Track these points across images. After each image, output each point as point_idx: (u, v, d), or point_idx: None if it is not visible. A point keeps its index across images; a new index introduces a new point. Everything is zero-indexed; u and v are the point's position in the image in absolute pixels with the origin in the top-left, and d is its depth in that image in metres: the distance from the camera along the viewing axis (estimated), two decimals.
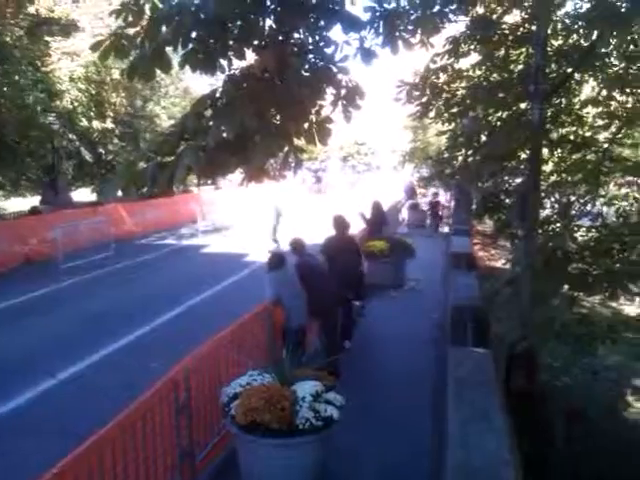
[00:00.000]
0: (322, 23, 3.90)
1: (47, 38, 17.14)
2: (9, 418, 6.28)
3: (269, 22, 3.99)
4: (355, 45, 4.19)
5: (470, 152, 9.08)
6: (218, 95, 3.86)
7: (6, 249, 14.71)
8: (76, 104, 17.34)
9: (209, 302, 10.96)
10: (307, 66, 4.31)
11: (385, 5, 4.42)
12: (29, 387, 6.98)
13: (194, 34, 3.91)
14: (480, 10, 8.13)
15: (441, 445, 5.13)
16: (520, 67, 8.74)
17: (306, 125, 4.46)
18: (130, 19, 3.70)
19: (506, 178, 9.07)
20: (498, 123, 8.47)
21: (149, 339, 8.83)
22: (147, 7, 3.75)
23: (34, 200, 25.22)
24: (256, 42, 4.29)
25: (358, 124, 65.41)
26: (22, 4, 15.31)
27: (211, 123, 3.83)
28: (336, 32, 4.53)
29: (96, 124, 18.11)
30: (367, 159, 74.94)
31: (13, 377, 7.26)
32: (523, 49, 8.60)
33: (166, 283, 12.68)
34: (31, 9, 15.83)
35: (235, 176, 27.31)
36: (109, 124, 19.02)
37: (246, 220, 22.70)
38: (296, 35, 4.14)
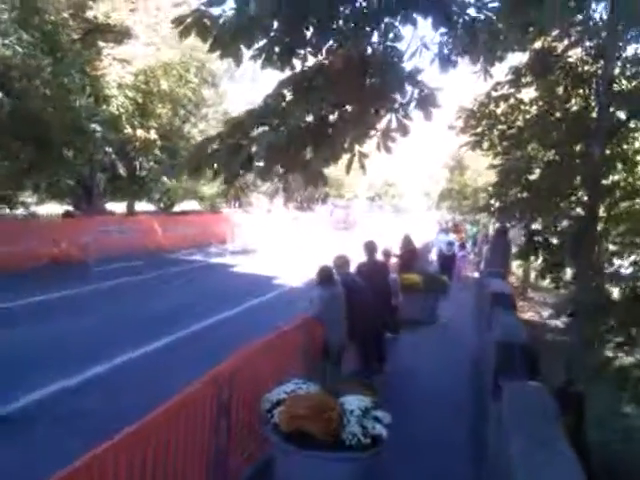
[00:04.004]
0: (414, 16, 3.78)
1: (100, 43, 17.48)
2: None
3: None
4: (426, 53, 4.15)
5: (518, 189, 8.93)
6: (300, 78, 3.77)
7: (35, 248, 14.70)
8: (122, 110, 17.54)
9: (240, 316, 10.84)
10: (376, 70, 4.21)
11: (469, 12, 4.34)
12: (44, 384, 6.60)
13: (275, 24, 3.87)
14: (539, 44, 8.06)
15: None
16: (576, 107, 8.62)
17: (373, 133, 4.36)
18: None
19: (557, 217, 8.85)
20: (555, 157, 8.30)
21: (179, 345, 8.67)
22: None
23: (66, 208, 25.44)
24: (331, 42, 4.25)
25: (389, 165, 65.94)
26: (83, 8, 15.77)
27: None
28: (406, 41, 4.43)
29: (140, 132, 18.26)
30: (395, 201, 75.11)
31: (36, 372, 6.98)
32: (583, 88, 8.48)
33: (195, 296, 12.56)
34: (89, 13, 16.28)
35: (263, 203, 27.01)
36: (152, 135, 19.14)
37: (273, 245, 22.71)
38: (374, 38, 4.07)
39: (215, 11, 3.98)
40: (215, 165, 4.04)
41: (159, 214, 21.39)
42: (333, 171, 48.18)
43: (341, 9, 4.15)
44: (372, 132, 4.52)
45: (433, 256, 22.05)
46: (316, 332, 6.43)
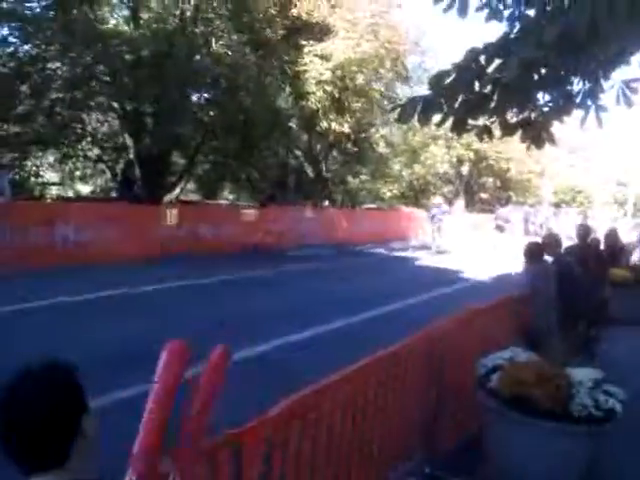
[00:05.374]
0: None
1: (302, 42, 18.41)
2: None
3: None
4: None
5: None
6: None
7: (236, 234, 15.96)
8: (319, 105, 18.34)
9: (433, 301, 10.81)
10: None
11: None
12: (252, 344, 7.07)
13: None
14: None
15: None
16: None
17: None
18: None
19: None
20: None
21: (376, 319, 8.88)
22: None
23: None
24: None
25: (575, 173, 61.37)
26: (287, 6, 16.77)
27: None
28: None
29: (335, 125, 18.89)
30: (582, 209, 69.54)
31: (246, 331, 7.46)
32: None
33: (385, 283, 12.75)
34: (292, 11, 17.19)
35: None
36: (346, 128, 19.65)
37: (456, 244, 22.26)
38: None
39: None
40: (445, 107, 3.92)
41: (344, 209, 22.24)
42: (517, 174, 45.90)
43: None
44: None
45: (635, 258, 20.03)
46: (524, 310, 6.06)
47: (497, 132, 4.78)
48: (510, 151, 34.56)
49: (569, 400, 3.86)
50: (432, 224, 20.65)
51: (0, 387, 1.21)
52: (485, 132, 4.61)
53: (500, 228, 35.26)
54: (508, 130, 4.59)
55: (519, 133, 4.54)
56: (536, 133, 4.50)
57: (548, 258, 6.50)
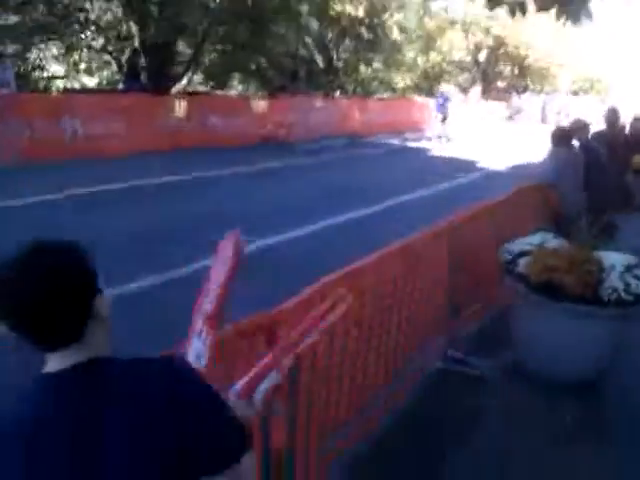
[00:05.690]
0: None
1: None
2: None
3: None
4: None
5: None
6: None
7: (245, 127, 15.57)
8: None
9: (454, 191, 10.68)
10: None
11: None
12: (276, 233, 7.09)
13: None
14: None
15: None
16: None
17: None
18: None
19: None
20: None
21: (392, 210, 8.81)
22: None
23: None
24: None
25: (595, 62, 58.87)
26: None
27: None
28: None
29: (349, 8, 17.95)
30: (601, 96, 67.37)
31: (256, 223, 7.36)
32: None
33: (400, 173, 12.58)
34: None
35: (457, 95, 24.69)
36: (360, 11, 18.62)
37: (469, 133, 21.81)
38: None
39: None
40: None
41: (356, 99, 21.58)
42: (535, 62, 43.87)
43: None
44: None
45: None
46: (550, 197, 5.90)
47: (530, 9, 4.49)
48: (529, 37, 32.82)
49: (599, 284, 3.80)
50: (438, 112, 20.07)
51: (4, 264, 1.12)
52: (518, 7, 4.30)
53: (511, 117, 34.52)
54: (544, 5, 4.27)
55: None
56: (575, 9, 4.18)
57: (575, 143, 6.25)
